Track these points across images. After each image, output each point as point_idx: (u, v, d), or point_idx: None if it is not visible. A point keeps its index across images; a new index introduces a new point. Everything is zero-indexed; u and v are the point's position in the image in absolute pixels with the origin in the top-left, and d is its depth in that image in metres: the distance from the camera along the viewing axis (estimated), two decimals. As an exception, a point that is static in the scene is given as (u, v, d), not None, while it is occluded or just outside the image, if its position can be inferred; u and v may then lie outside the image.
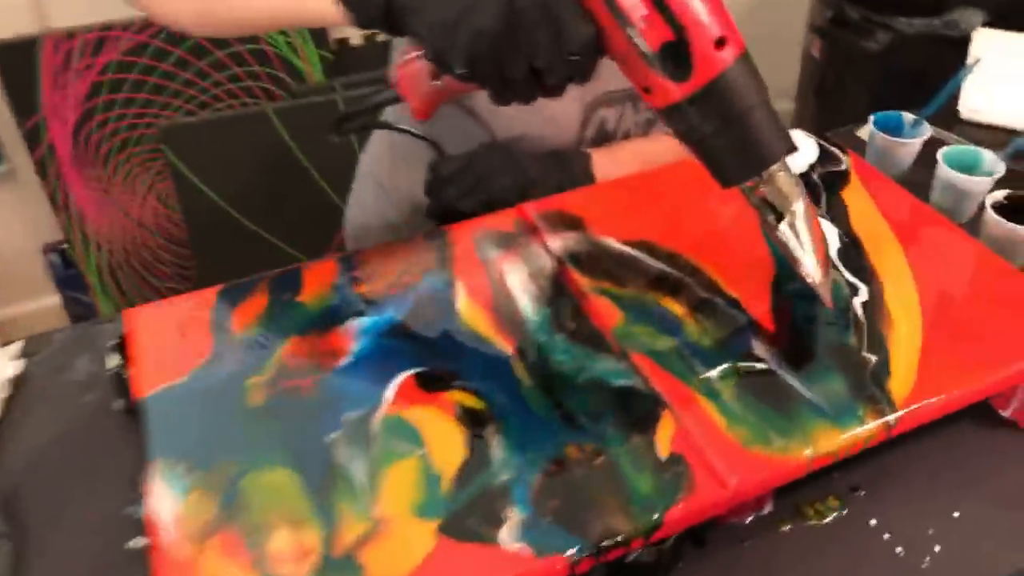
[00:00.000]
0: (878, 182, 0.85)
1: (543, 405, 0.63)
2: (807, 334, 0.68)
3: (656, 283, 0.73)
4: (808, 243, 0.64)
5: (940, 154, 0.93)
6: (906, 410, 0.62)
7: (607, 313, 0.70)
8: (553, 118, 1.00)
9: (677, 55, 0.57)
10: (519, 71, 0.60)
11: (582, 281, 0.73)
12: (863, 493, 0.68)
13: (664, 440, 0.60)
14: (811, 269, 0.65)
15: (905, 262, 0.75)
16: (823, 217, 0.81)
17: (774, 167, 0.61)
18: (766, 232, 0.64)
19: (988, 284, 0.72)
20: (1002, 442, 0.72)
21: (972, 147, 0.95)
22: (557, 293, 0.73)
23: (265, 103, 1.76)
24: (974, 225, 0.91)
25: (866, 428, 0.61)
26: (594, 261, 0.76)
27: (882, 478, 0.68)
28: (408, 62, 0.68)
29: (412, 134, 0.91)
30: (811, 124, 2.16)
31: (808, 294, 0.70)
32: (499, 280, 0.74)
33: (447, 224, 0.91)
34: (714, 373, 0.65)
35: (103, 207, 1.98)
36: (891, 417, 0.62)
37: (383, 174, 1.14)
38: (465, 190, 0.91)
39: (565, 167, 0.98)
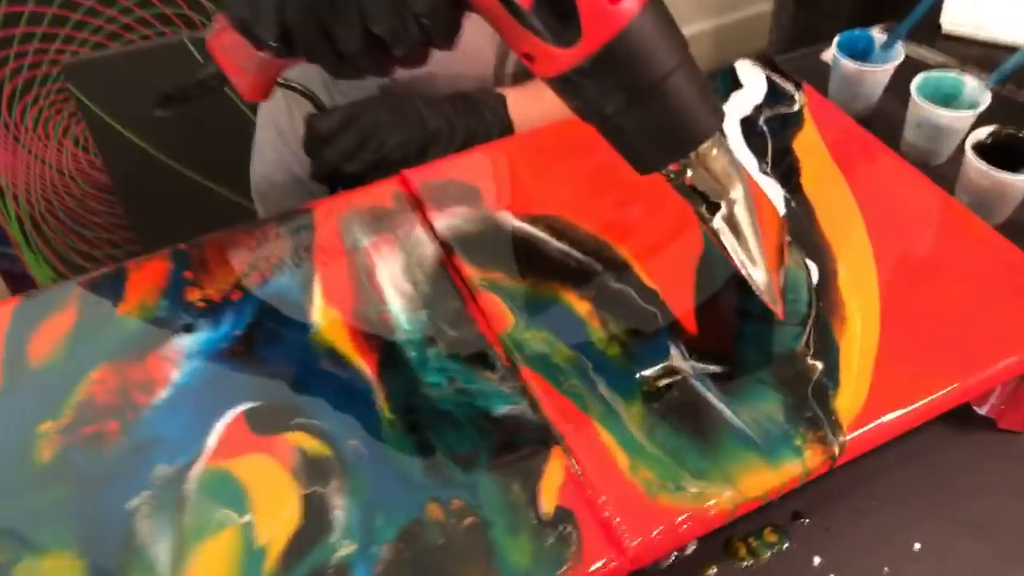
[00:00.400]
0: (838, 126, 0.71)
1: (405, 447, 0.51)
2: (738, 336, 0.55)
3: (559, 272, 0.60)
4: (751, 238, 0.51)
5: (914, 84, 0.78)
6: (856, 434, 0.50)
7: (496, 314, 0.57)
8: (466, 52, 0.85)
9: (559, 10, 0.43)
10: (353, 41, 0.46)
11: (471, 273, 0.60)
12: (807, 522, 0.56)
13: (550, 490, 0.48)
14: (753, 272, 0.52)
15: (865, 234, 0.61)
16: (766, 174, 0.66)
17: (703, 147, 0.47)
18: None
19: (968, 260, 0.59)
20: (977, 447, 0.60)
21: (952, 73, 0.80)
22: (438, 291, 0.59)
23: (184, 32, 1.58)
24: (953, 168, 0.77)
25: (804, 462, 0.49)
26: (487, 245, 0.62)
27: (830, 502, 0.57)
28: (220, 33, 0.53)
29: (280, 84, 0.76)
30: (789, 30, 1.98)
31: (741, 283, 0.57)
32: (367, 276, 0.60)
33: (337, 190, 0.77)
34: (619, 393, 0.52)
35: (16, 155, 1.81)
36: (836, 445, 0.50)
37: (282, 121, 0.99)
38: (347, 150, 0.77)
39: (473, 113, 0.83)
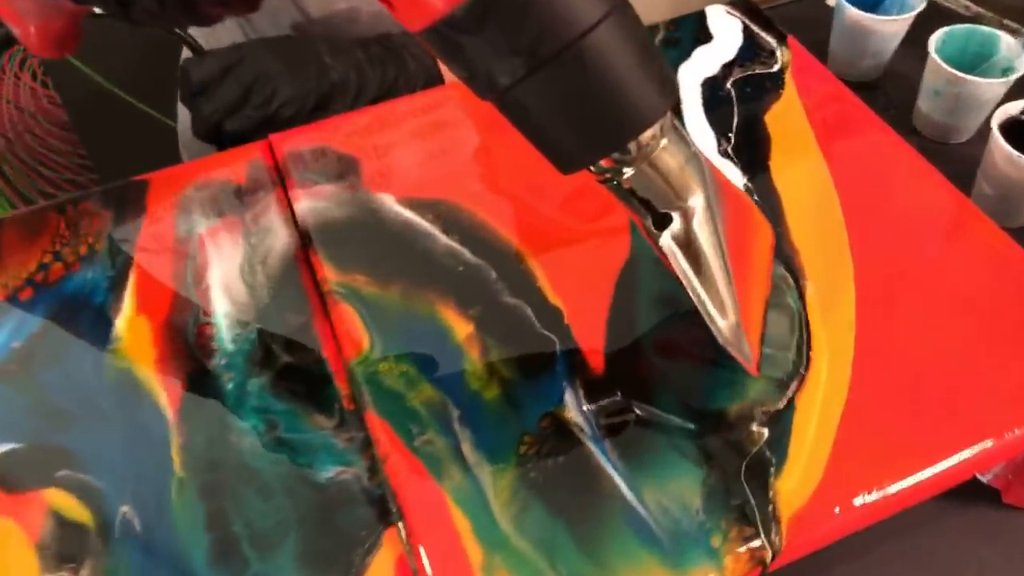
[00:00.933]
0: (827, 95, 0.55)
1: (191, 519, 0.38)
2: (657, 383, 0.42)
3: (441, 278, 0.46)
4: (714, 265, 0.37)
5: (933, 40, 0.62)
6: (799, 533, 0.37)
7: (349, 334, 0.44)
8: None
9: None
10: None
11: (328, 274, 0.46)
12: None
13: (372, 595, 0.35)
14: (714, 311, 0.38)
15: (846, 243, 0.47)
16: (726, 156, 0.51)
17: (645, 136, 0.34)
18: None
19: (979, 286, 0.44)
20: (982, 528, 0.46)
21: (985, 28, 0.64)
22: (280, 298, 0.46)
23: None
24: (978, 148, 0.62)
25: (721, 570, 0.36)
26: (356, 237, 0.48)
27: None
28: None
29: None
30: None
31: (674, 305, 0.43)
32: (194, 274, 0.47)
33: (225, 148, 0.63)
34: (487, 455, 0.39)
35: (-31, 89, 1.68)
36: (769, 548, 0.36)
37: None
38: (225, 104, 0.63)
39: (393, 60, 0.68)
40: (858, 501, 0.37)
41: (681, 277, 0.37)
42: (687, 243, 0.37)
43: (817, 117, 0.53)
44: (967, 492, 0.46)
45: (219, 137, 0.66)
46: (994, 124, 0.57)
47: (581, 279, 0.45)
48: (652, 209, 0.36)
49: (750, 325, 0.39)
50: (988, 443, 0.39)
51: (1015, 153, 0.55)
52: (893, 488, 0.38)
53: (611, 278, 0.45)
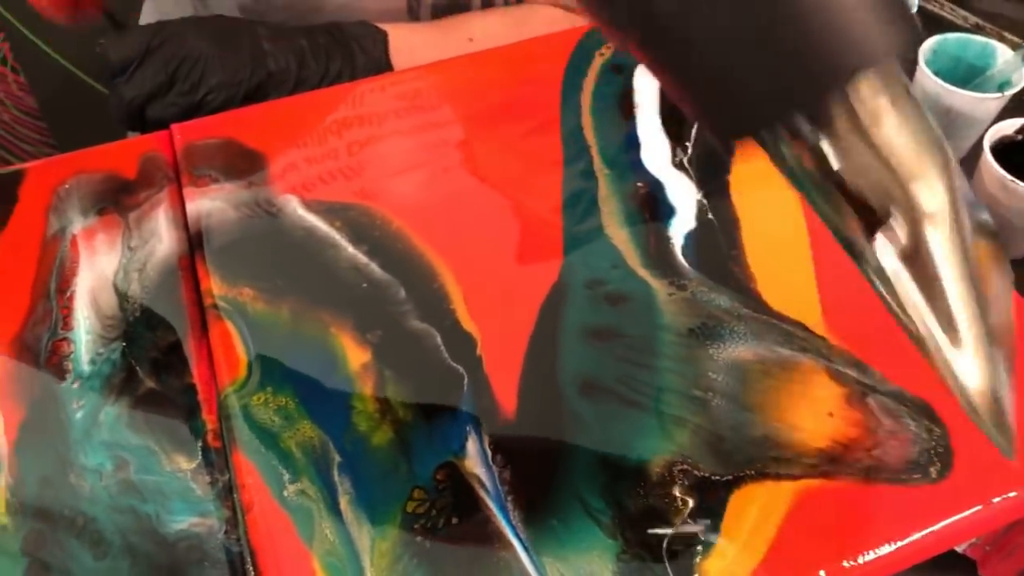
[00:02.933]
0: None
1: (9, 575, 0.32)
2: (576, 428, 0.35)
3: (340, 295, 0.40)
4: (957, 297, 0.24)
5: (923, 50, 0.57)
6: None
7: (225, 357, 0.37)
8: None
9: None
10: None
11: (212, 285, 0.40)
12: None
13: None
14: (958, 364, 0.25)
15: (812, 272, 0.40)
16: (680, 168, 0.45)
17: (865, 83, 0.23)
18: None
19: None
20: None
21: (980, 39, 0.58)
22: (154, 312, 0.40)
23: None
24: (969, 169, 0.56)
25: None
26: (250, 244, 0.42)
27: None
28: None
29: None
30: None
31: (605, 338, 0.37)
32: (58, 280, 0.41)
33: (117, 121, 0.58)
34: (367, 514, 0.33)
35: (-65, 72, 1.62)
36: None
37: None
38: (147, 89, 0.57)
39: (339, 52, 0.62)
40: (804, 584, 0.31)
41: (905, 312, 0.24)
42: (920, 262, 0.24)
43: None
44: (939, 564, 0.40)
45: (142, 125, 0.60)
46: (986, 144, 0.51)
47: (502, 303, 0.39)
48: (863, 205, 0.24)
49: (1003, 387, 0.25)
50: (974, 509, 0.33)
51: (1008, 177, 0.49)
52: (854, 563, 0.32)
53: (535, 304, 0.39)
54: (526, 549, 0.32)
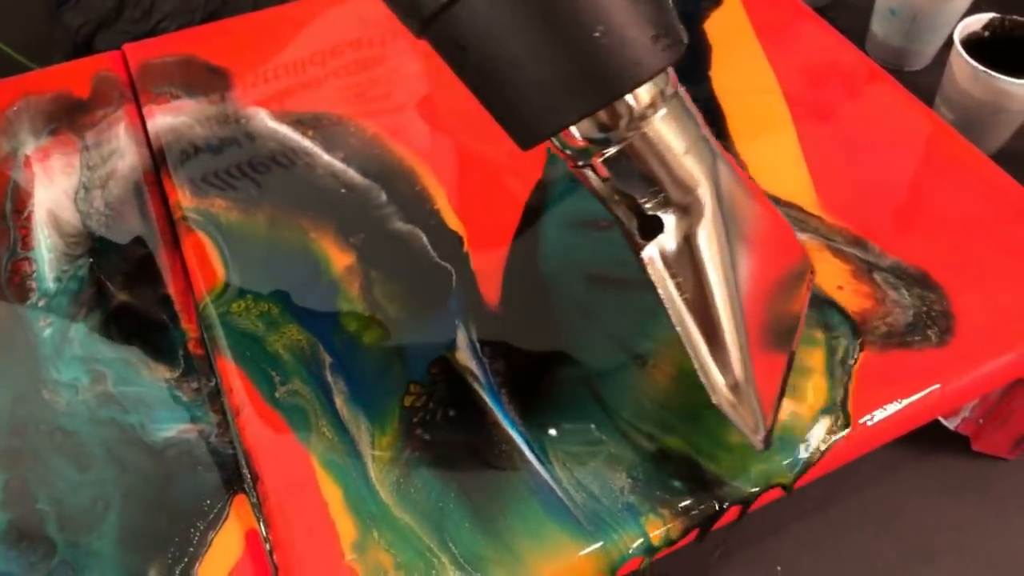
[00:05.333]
0: (775, 5, 0.49)
1: (-19, 495, 0.30)
2: (570, 319, 0.34)
3: (319, 201, 0.38)
4: (718, 297, 0.26)
5: (889, -48, 0.56)
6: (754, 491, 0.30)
7: (201, 267, 0.35)
8: None
9: None
10: None
11: (180, 198, 0.38)
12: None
13: (209, 583, 0.28)
14: (709, 365, 0.26)
15: (801, 156, 0.40)
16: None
17: (641, 96, 0.24)
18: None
19: (955, 205, 0.38)
20: (950, 481, 0.40)
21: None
22: (119, 227, 0.38)
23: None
24: (932, 76, 0.56)
25: (646, 536, 0.29)
26: (219, 158, 0.40)
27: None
28: None
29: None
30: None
31: (590, 229, 0.36)
32: (14, 200, 0.38)
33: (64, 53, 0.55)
34: (364, 409, 0.32)
35: None
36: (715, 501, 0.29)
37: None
38: (95, 17, 0.54)
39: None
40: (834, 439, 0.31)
41: (669, 308, 0.26)
42: (680, 258, 0.26)
43: (762, 23, 0.46)
44: (932, 441, 0.40)
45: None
46: (956, 38, 0.51)
47: (486, 201, 0.38)
48: (637, 208, 0.26)
49: (765, 383, 0.27)
50: (973, 372, 0.32)
51: (980, 68, 0.49)
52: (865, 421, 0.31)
53: (520, 200, 0.38)
54: (524, 439, 0.31)
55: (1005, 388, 0.36)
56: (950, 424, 0.41)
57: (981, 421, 0.39)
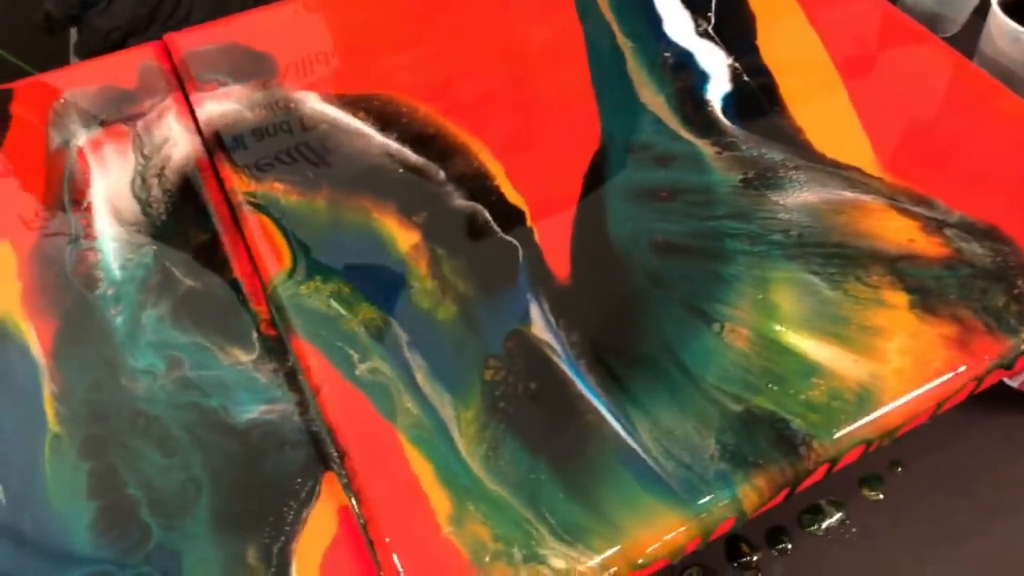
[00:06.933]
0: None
1: (71, 483, 0.30)
2: (647, 292, 0.34)
3: (377, 181, 0.38)
4: None
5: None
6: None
7: (266, 251, 0.35)
8: None
9: None
10: None
11: (238, 183, 0.38)
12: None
13: (310, 557, 0.28)
14: None
15: (856, 117, 0.40)
16: (707, 37, 0.44)
17: None
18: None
19: (1007, 159, 0.38)
20: (1017, 439, 0.40)
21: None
22: (180, 214, 0.37)
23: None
24: (967, 41, 0.56)
25: (742, 507, 0.29)
26: (273, 142, 0.40)
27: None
28: None
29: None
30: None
31: (658, 196, 0.36)
32: (72, 191, 0.38)
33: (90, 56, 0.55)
34: (447, 386, 0.31)
35: None
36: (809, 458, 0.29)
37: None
38: (123, 21, 0.54)
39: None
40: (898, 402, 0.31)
41: None
42: None
43: (804, -9, 0.46)
44: (997, 402, 0.40)
45: (85, 45, 0.57)
46: (994, 1, 0.51)
47: (546, 172, 0.38)
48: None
49: None
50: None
51: (1019, 28, 0.49)
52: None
53: (579, 172, 0.38)
54: (609, 409, 0.31)
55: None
56: (1014, 383, 0.41)
57: (1048, 377, 0.39)
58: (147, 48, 0.44)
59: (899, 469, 0.39)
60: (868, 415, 0.30)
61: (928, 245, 0.34)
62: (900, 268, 0.34)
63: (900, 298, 0.33)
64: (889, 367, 0.31)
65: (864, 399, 0.31)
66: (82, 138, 0.40)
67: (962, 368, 0.31)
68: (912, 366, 0.31)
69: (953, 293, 0.33)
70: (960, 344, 0.32)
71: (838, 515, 0.37)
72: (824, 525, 0.37)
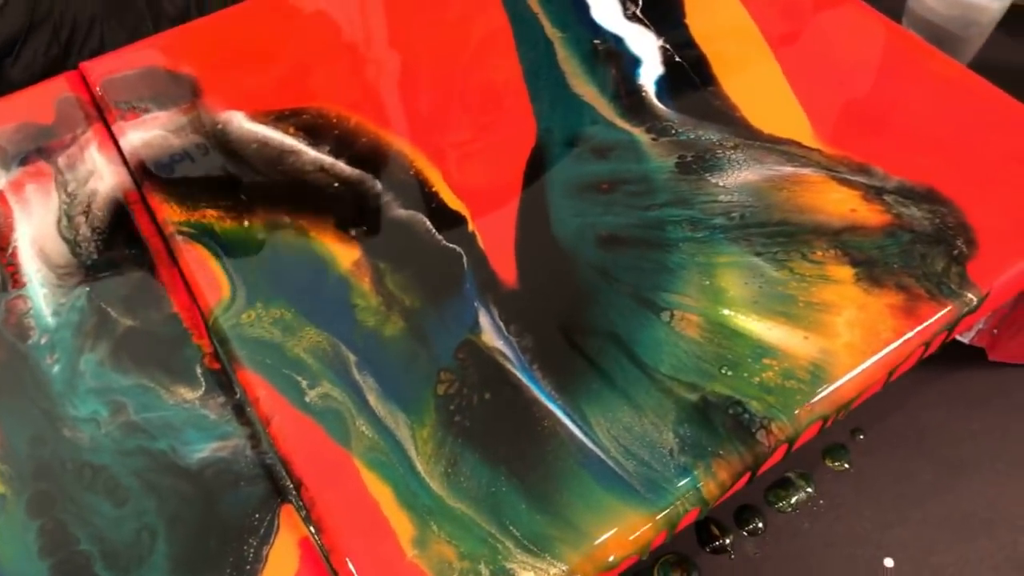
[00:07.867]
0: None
1: (24, 549, 0.29)
2: (593, 287, 0.34)
3: (312, 198, 0.37)
4: None
5: None
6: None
7: (203, 281, 0.34)
8: None
9: None
10: None
11: (169, 214, 0.37)
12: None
13: (272, 599, 0.27)
14: None
15: (789, 89, 0.40)
16: (635, 20, 0.44)
17: None
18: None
19: (944, 116, 0.38)
20: (971, 396, 0.41)
21: None
22: (111, 251, 0.36)
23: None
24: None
25: (704, 497, 0.29)
26: (201, 167, 0.39)
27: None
28: None
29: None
30: None
31: (599, 190, 0.35)
32: (-5, 237, 0.37)
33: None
34: (399, 404, 0.31)
35: None
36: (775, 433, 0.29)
37: None
38: (37, 68, 0.52)
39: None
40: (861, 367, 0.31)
41: None
42: None
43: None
44: (949, 359, 0.41)
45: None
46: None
47: (484, 174, 0.37)
48: None
49: None
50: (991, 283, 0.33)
51: (944, -16, 0.49)
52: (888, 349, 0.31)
53: (518, 171, 0.37)
54: (565, 412, 0.30)
55: (1018, 295, 0.37)
56: (965, 338, 0.41)
57: (996, 331, 0.40)
58: (62, 79, 0.43)
59: (860, 436, 0.39)
60: (823, 391, 0.30)
61: (869, 214, 0.35)
62: (843, 240, 0.34)
63: (845, 272, 0.33)
64: (839, 341, 0.31)
65: (817, 376, 0.31)
66: (2, 180, 0.39)
67: (909, 335, 0.31)
68: (861, 338, 0.31)
69: (896, 262, 0.33)
70: (906, 312, 0.32)
71: (808, 490, 0.37)
72: (793, 500, 0.37)
